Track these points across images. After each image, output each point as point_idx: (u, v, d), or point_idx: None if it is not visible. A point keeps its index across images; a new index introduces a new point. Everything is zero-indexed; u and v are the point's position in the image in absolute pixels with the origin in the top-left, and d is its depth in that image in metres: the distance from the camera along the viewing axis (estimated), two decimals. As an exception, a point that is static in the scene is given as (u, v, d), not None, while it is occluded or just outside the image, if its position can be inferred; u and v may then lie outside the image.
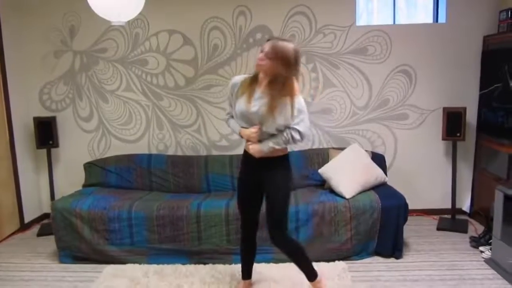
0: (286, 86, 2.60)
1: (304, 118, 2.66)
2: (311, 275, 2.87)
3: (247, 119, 2.68)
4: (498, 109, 3.98)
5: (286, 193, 2.76)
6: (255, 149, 2.68)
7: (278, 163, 2.76)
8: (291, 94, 2.61)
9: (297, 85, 2.66)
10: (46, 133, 4.47)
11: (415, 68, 4.48)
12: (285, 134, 2.65)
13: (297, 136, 2.64)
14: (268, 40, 2.63)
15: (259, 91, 2.65)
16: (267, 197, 2.78)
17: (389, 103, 4.55)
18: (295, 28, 4.45)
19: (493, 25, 4.27)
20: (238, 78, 2.79)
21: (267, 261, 3.54)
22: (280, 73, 2.56)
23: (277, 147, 2.67)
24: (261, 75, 2.66)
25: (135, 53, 4.59)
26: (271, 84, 2.60)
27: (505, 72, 3.84)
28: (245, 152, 2.81)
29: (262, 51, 2.59)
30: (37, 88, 4.71)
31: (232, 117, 2.86)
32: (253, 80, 2.71)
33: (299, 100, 2.65)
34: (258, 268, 3.39)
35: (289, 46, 2.57)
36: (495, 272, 3.30)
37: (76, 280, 3.41)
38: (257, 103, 2.63)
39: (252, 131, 2.66)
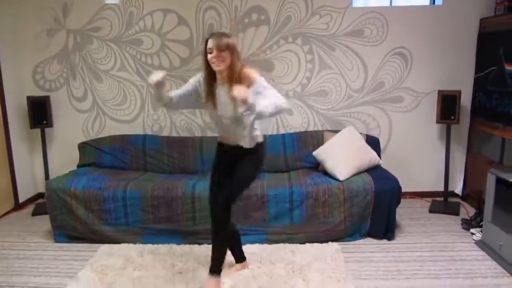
0: (244, 75, 2.62)
1: (273, 92, 2.61)
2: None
3: (221, 124, 2.79)
4: (493, 92, 3.98)
5: (247, 177, 2.81)
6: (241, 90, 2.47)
7: (249, 153, 2.78)
8: (250, 81, 2.59)
9: (250, 70, 2.67)
10: (40, 112, 4.44)
11: (411, 51, 4.47)
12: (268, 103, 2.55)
13: (278, 102, 2.55)
14: (207, 40, 2.63)
15: (221, 92, 2.68)
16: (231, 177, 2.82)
17: (384, 85, 4.54)
18: (290, 9, 4.41)
19: (490, 7, 4.24)
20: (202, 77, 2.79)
21: (261, 241, 3.57)
22: (234, 63, 2.61)
23: (261, 107, 2.50)
24: (218, 76, 2.69)
25: (129, 32, 4.54)
26: (230, 78, 2.62)
27: (500, 55, 3.83)
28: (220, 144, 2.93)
29: (211, 52, 2.59)
30: (31, 67, 4.67)
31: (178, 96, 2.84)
32: (211, 82, 2.72)
33: (260, 81, 2.61)
34: (252, 249, 3.43)
35: (227, 34, 2.69)
36: (485, 254, 3.36)
37: (71, 259, 3.44)
38: (223, 106, 2.69)
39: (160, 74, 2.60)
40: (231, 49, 2.62)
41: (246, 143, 2.75)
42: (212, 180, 2.98)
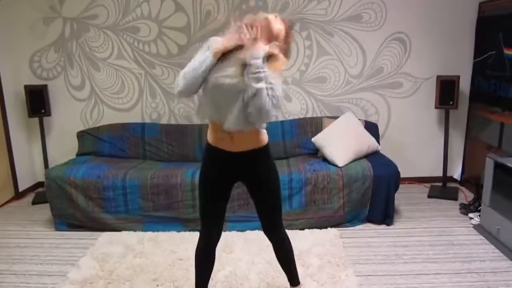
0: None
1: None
2: (296, 279, 2.58)
3: (215, 92, 2.10)
4: (492, 77, 3.97)
5: (278, 186, 2.39)
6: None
7: (264, 154, 2.30)
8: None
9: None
10: (37, 101, 4.43)
11: (410, 36, 4.44)
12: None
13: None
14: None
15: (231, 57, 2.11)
16: (260, 195, 2.36)
17: (383, 71, 4.52)
18: (289, -6, 4.38)
19: (490, -8, 4.22)
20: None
21: (261, 228, 3.57)
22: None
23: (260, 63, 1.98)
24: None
25: (126, 20, 4.50)
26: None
27: (499, 40, 3.82)
28: (213, 147, 2.25)
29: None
30: (27, 56, 4.63)
31: None
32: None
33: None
34: (252, 235, 3.44)
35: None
36: (483, 238, 3.38)
37: (72, 247, 3.46)
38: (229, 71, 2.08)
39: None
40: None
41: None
42: (206, 207, 2.34)
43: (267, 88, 1.97)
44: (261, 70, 1.98)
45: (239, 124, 2.09)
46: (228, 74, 2.06)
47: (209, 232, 2.39)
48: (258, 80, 1.97)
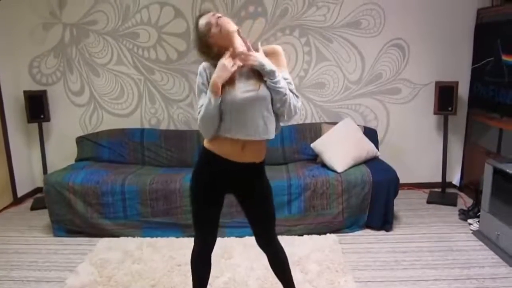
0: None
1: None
2: None
3: (241, 109, 2.07)
4: (490, 83, 3.99)
5: (271, 193, 2.39)
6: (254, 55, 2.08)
7: (262, 169, 2.34)
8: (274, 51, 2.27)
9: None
10: (37, 107, 4.43)
11: (409, 42, 4.46)
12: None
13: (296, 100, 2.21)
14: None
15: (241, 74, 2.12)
16: (252, 202, 2.32)
17: (382, 77, 4.54)
18: (288, 0, 4.39)
19: (488, -2, 4.25)
20: (207, 64, 2.15)
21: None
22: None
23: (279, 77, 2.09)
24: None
25: (126, 26, 4.52)
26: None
27: (497, 46, 3.83)
28: (215, 154, 2.19)
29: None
30: (27, 61, 4.64)
31: None
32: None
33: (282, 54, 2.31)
34: (250, 241, 3.41)
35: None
36: (482, 244, 3.38)
37: (70, 253, 3.45)
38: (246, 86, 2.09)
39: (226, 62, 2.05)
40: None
41: (272, 133, 2.16)
42: (199, 214, 2.32)
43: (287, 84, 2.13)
44: (276, 71, 2.09)
45: (276, 129, 2.20)
46: (247, 88, 2.07)
47: (204, 239, 2.36)
48: (280, 80, 2.10)
